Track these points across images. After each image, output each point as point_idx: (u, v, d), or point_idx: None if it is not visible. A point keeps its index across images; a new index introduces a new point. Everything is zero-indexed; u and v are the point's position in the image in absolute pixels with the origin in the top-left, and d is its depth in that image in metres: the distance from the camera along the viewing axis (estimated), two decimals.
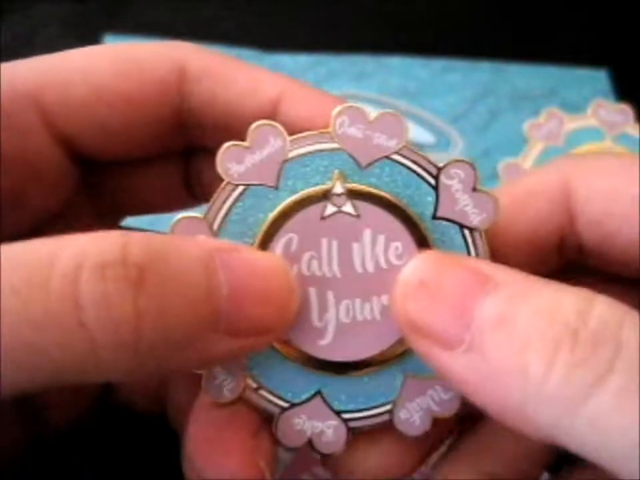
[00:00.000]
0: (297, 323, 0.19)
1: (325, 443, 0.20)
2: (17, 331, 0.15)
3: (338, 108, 0.20)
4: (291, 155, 0.20)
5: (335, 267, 0.20)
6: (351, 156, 0.20)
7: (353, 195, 0.20)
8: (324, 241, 0.20)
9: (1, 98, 0.21)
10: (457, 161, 0.20)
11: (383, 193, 0.20)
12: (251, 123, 0.22)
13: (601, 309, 0.16)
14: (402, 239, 0.20)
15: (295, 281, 0.19)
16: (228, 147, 0.20)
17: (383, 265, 0.20)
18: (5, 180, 0.21)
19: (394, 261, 0.20)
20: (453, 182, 0.20)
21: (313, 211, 0.20)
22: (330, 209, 0.20)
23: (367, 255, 0.20)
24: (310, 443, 0.20)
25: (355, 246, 0.20)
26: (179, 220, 0.19)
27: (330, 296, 0.20)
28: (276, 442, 0.20)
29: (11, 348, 0.15)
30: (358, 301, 0.20)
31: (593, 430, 0.15)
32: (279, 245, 0.20)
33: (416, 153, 0.20)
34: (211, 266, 0.17)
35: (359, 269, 0.20)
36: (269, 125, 0.20)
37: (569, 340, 0.15)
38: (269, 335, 0.18)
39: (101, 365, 0.16)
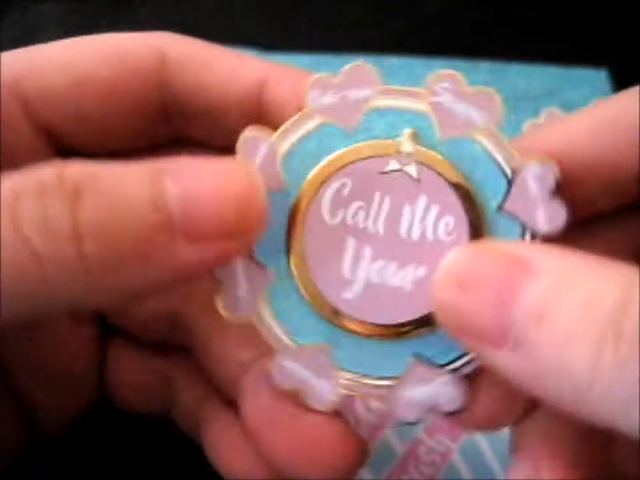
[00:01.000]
0: (327, 268, 0.19)
1: (315, 396, 0.20)
2: None
3: (437, 72, 0.19)
4: (377, 102, 0.19)
5: (380, 224, 0.19)
6: (437, 122, 0.19)
7: (420, 157, 0.19)
8: (377, 195, 0.19)
9: None
10: (542, 160, 0.19)
11: (449, 166, 0.19)
12: (234, 107, 0.21)
13: None
14: (455, 215, 0.19)
15: (261, 182, 0.18)
16: (318, 78, 0.19)
17: (430, 236, 0.19)
18: None
19: (441, 236, 0.19)
20: (532, 180, 0.19)
21: (374, 162, 0.19)
22: (392, 165, 0.19)
23: (416, 222, 0.19)
24: (300, 394, 0.20)
25: (407, 209, 0.19)
26: (247, 133, 0.19)
27: (367, 251, 0.19)
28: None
29: None
30: (393, 265, 0.19)
31: None
32: (331, 187, 0.19)
33: (500, 138, 0.19)
34: (157, 174, 0.17)
35: (404, 234, 0.19)
36: (364, 66, 0.19)
37: (612, 335, 0.14)
38: (236, 239, 0.18)
39: (52, 284, 0.16)
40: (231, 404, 0.24)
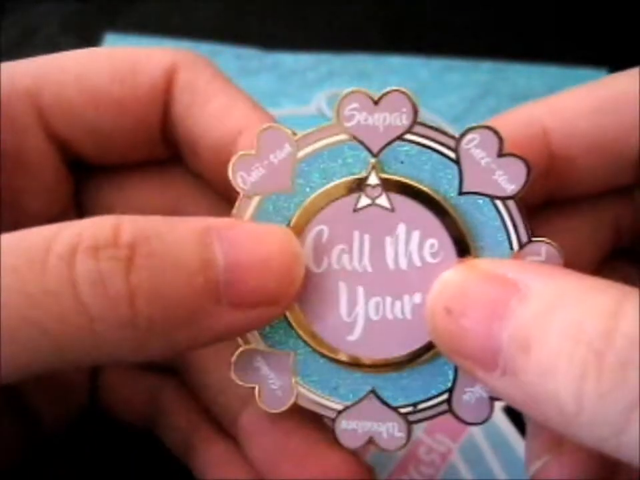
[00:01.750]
0: (326, 316, 0.19)
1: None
2: (16, 306, 0.15)
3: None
4: (300, 154, 0.19)
5: (366, 262, 0.19)
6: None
7: (388, 186, 0.19)
8: (356, 234, 0.19)
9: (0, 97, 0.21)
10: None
11: (421, 186, 0.19)
12: (210, 149, 0.21)
13: (630, 319, 0.14)
14: (438, 236, 0.19)
15: (300, 248, 0.18)
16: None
17: (417, 262, 0.19)
18: (3, 179, 0.21)
19: (429, 259, 0.19)
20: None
21: (345, 202, 0.19)
22: (364, 201, 0.19)
23: (401, 251, 0.19)
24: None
25: (388, 241, 0.19)
26: None
27: (360, 291, 0.19)
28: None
29: (11, 324, 0.15)
30: (388, 299, 0.19)
31: (638, 449, 0.14)
32: (309, 236, 0.19)
33: (429, 127, 0.18)
34: (206, 239, 0.17)
35: (391, 265, 0.19)
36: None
37: (594, 366, 0.14)
38: (277, 305, 0.18)
39: (100, 341, 0.16)
40: (225, 430, 0.24)
